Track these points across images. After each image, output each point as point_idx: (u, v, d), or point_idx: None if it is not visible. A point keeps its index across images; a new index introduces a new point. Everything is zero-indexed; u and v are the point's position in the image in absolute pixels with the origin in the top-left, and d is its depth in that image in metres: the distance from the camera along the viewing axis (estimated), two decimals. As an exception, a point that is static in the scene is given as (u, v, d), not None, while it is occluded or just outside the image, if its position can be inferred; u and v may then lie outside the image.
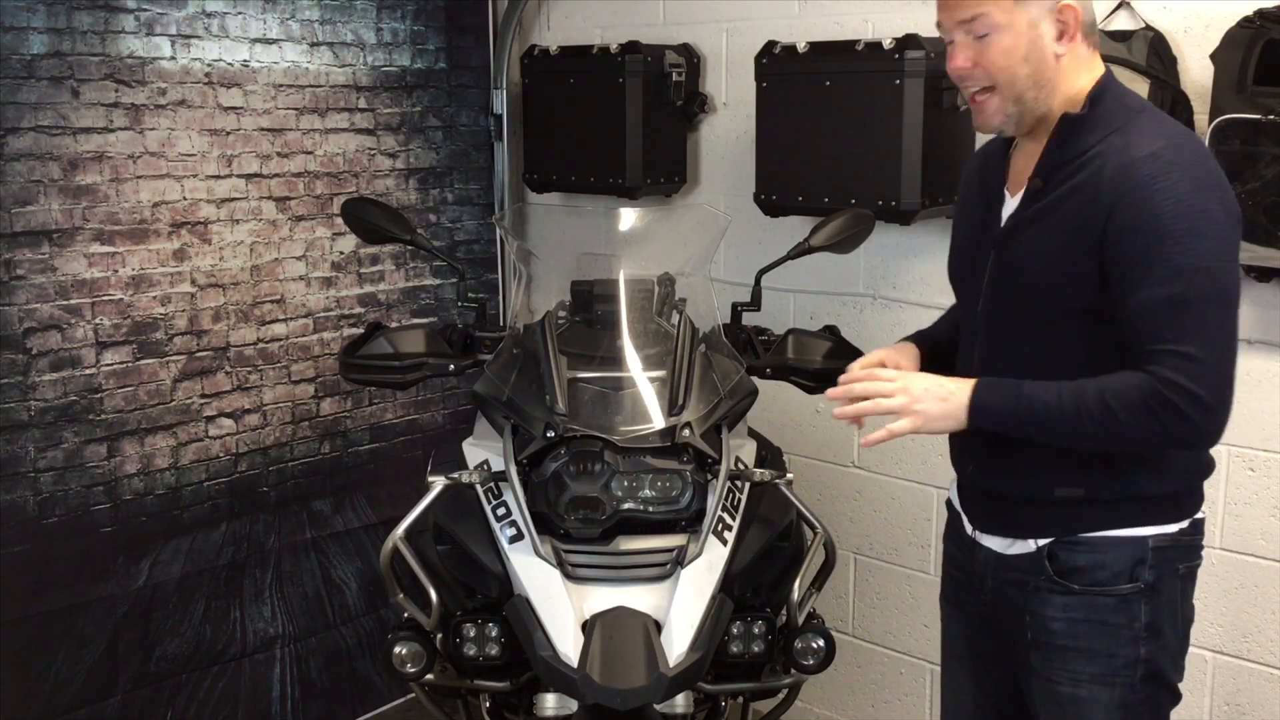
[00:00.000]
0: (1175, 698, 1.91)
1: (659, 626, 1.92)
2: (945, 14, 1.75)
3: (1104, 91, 1.78)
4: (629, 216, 2.50)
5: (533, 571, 1.98)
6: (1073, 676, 1.84)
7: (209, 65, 2.95)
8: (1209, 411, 1.65)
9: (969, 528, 1.98)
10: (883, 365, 1.97)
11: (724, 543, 2.03)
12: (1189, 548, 1.87)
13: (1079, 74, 1.78)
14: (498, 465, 2.10)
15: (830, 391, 1.82)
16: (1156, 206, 1.64)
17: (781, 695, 2.28)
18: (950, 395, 1.75)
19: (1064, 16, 1.73)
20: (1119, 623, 1.83)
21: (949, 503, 2.10)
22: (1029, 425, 1.73)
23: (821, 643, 2.11)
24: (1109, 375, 1.70)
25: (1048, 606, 1.85)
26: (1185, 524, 1.85)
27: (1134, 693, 1.85)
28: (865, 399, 1.80)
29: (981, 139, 2.17)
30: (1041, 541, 1.86)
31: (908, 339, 2.14)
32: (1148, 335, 1.67)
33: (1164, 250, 1.64)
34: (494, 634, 2.06)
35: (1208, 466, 1.87)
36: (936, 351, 2.10)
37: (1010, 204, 1.86)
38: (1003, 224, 1.85)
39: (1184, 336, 1.64)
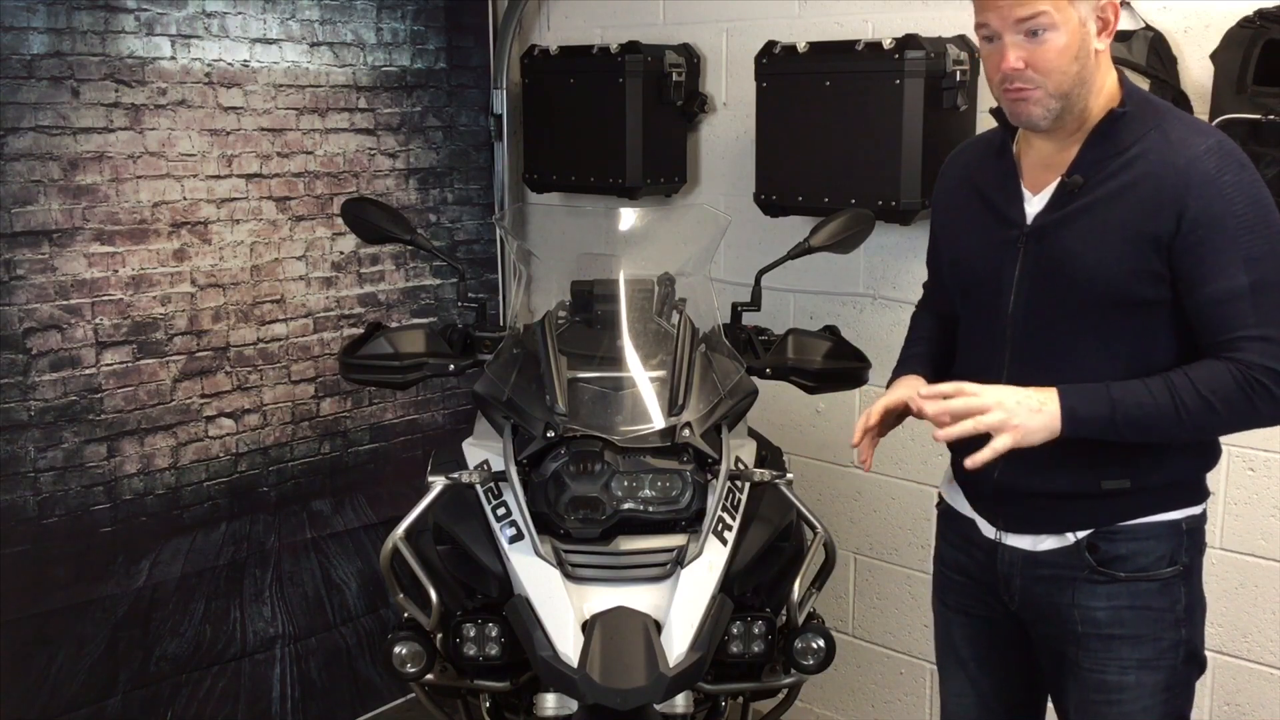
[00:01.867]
0: (1202, 669, 1.94)
1: (659, 626, 1.92)
2: (998, 13, 1.72)
3: (1131, 90, 1.81)
4: (629, 216, 2.50)
5: (533, 571, 1.98)
6: (1120, 664, 1.86)
7: (209, 65, 2.95)
8: None
9: (989, 531, 1.96)
10: (905, 405, 1.95)
11: (724, 543, 2.03)
12: (1204, 530, 1.92)
13: (1108, 71, 1.80)
14: (498, 465, 2.10)
15: (932, 410, 1.76)
16: (1229, 198, 1.69)
17: (781, 695, 2.28)
18: (1043, 406, 1.73)
19: (1106, 14, 1.75)
20: (1163, 606, 1.85)
21: (947, 509, 2.08)
22: (1125, 429, 1.74)
23: (821, 643, 2.11)
24: (1191, 366, 1.73)
25: (1092, 598, 1.86)
26: (1204, 505, 1.90)
27: (1175, 674, 1.88)
28: (965, 418, 1.76)
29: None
30: (1080, 534, 1.86)
31: (910, 372, 2.08)
32: (1229, 323, 1.71)
33: (1240, 240, 1.69)
34: (494, 634, 2.06)
35: (1220, 449, 1.92)
36: (936, 375, 2.07)
37: (1035, 201, 1.84)
38: (1029, 221, 1.84)
39: (1265, 320, 1.70)
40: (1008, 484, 1.90)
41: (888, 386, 2.06)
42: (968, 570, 2.03)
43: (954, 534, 2.06)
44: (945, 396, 1.77)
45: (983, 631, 2.05)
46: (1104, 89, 1.79)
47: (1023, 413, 1.72)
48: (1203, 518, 1.90)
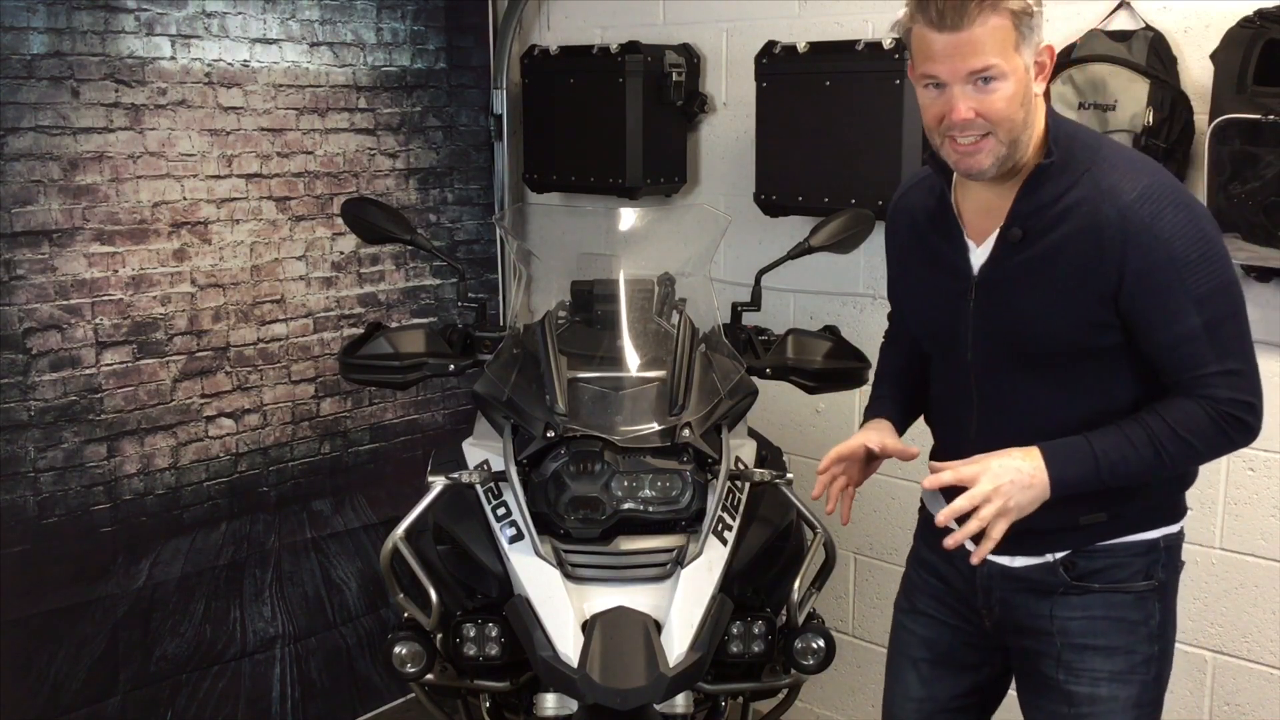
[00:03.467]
0: (1163, 692, 1.94)
1: (659, 626, 1.92)
2: (948, 66, 1.68)
3: (1058, 130, 1.77)
4: (629, 216, 2.50)
5: (533, 571, 1.98)
6: (1092, 676, 1.85)
7: (209, 65, 2.95)
8: (1260, 413, 1.76)
9: (972, 547, 1.93)
10: (867, 449, 1.96)
11: (724, 543, 2.03)
12: (1181, 548, 1.91)
13: (1041, 113, 1.77)
14: (498, 465, 2.10)
15: (941, 517, 1.75)
16: (1167, 243, 1.68)
17: (781, 695, 2.28)
18: (1032, 479, 1.73)
19: (1042, 57, 1.73)
20: (1137, 620, 1.85)
21: (930, 516, 2.04)
22: (1110, 480, 1.75)
23: (821, 643, 2.11)
24: (1163, 407, 1.74)
25: (1068, 608, 1.86)
26: (1182, 524, 1.90)
27: (1146, 691, 1.87)
28: (967, 511, 1.75)
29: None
30: (1058, 554, 1.86)
31: (877, 415, 2.07)
32: (1190, 363, 1.72)
33: (1186, 282, 1.69)
34: (494, 634, 2.06)
35: (1197, 470, 1.92)
36: (906, 415, 2.08)
37: (979, 253, 1.83)
38: (975, 273, 1.83)
39: (1225, 355, 1.71)
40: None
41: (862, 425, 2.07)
42: (946, 577, 2.01)
43: (936, 540, 2.03)
44: (946, 482, 1.76)
45: (943, 638, 2.03)
46: (1037, 132, 1.76)
47: (1016, 492, 1.72)
48: (1180, 536, 1.90)
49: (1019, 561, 1.89)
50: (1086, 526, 1.83)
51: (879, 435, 1.99)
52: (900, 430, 2.05)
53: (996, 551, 1.88)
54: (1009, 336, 1.81)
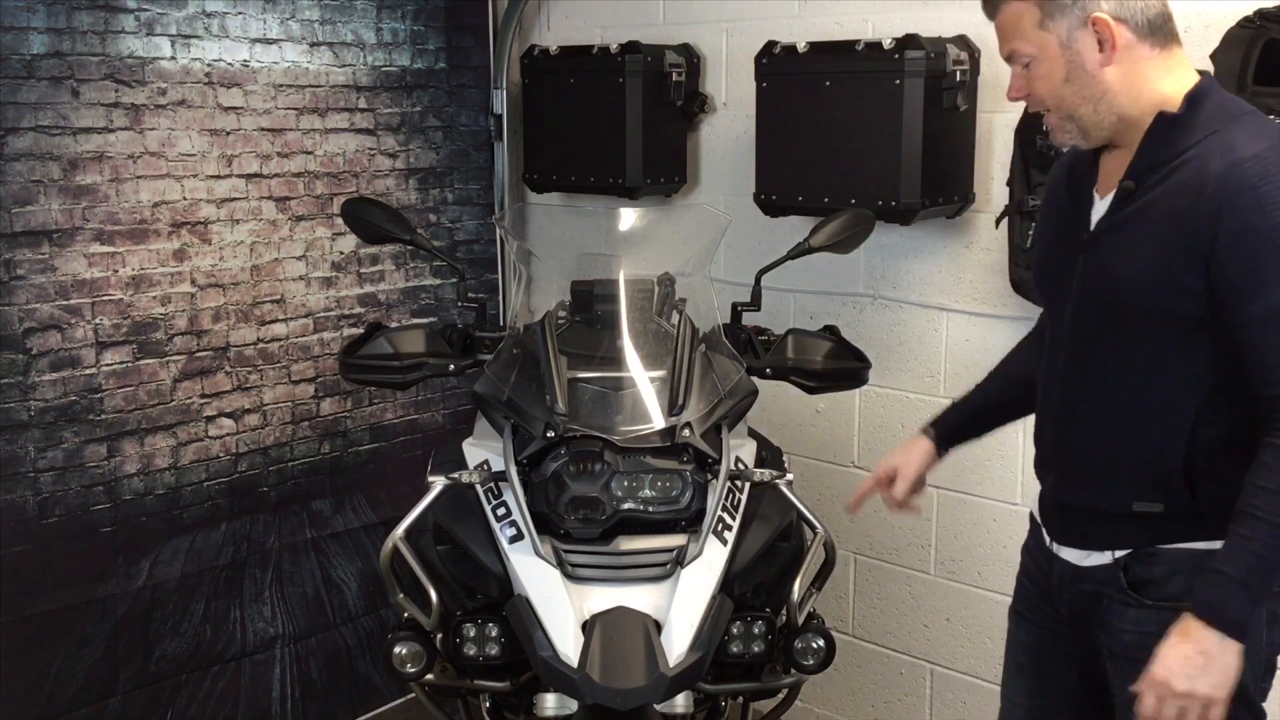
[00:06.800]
0: (1257, 717, 1.85)
1: (659, 626, 1.92)
2: (999, 46, 1.81)
3: (1203, 94, 1.74)
4: (629, 216, 2.50)
5: (533, 571, 1.98)
6: None
7: (209, 65, 2.95)
8: None
9: (1048, 539, 1.95)
10: (893, 474, 2.08)
11: (724, 543, 2.03)
12: None
13: (1158, 78, 1.74)
14: (498, 465, 2.10)
15: None
16: (1266, 208, 1.62)
17: (781, 695, 2.28)
18: (1208, 652, 1.64)
19: (1098, 29, 1.71)
20: None
21: (1031, 515, 2.06)
22: (1266, 589, 1.69)
23: (821, 643, 2.11)
24: (1258, 477, 1.65)
25: (1121, 619, 1.83)
26: None
27: None
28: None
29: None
30: (1119, 553, 1.83)
31: (930, 426, 2.16)
32: (1271, 347, 1.64)
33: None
34: (494, 634, 2.06)
35: None
36: (979, 418, 2.15)
37: (1100, 207, 1.81)
38: (1092, 228, 1.81)
39: None
40: (1056, 497, 1.91)
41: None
42: (1033, 575, 2.02)
43: (1031, 539, 2.05)
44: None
45: (1044, 639, 2.02)
46: (1153, 98, 1.73)
47: (1202, 681, 1.64)
48: None
49: (1089, 560, 1.86)
50: (1143, 516, 1.78)
51: (903, 460, 2.13)
52: (954, 437, 2.16)
53: (1065, 543, 1.91)
54: (1099, 294, 1.78)
